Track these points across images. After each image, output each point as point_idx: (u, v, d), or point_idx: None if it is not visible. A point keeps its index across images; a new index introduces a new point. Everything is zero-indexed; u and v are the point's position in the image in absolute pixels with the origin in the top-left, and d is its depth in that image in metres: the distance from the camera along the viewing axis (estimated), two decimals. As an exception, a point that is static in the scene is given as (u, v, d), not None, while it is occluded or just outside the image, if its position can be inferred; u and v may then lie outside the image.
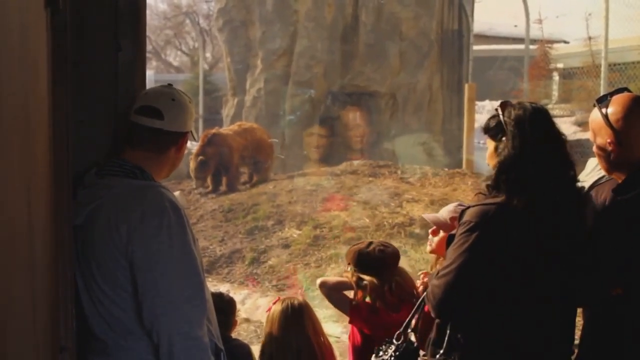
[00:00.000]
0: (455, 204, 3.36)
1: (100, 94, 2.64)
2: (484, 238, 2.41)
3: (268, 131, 12.45)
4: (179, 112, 2.57)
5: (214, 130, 11.52)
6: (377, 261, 3.41)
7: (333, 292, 3.59)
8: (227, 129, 12.13)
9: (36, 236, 1.67)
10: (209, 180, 11.13)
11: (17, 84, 1.49)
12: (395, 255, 3.51)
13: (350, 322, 3.53)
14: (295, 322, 3.40)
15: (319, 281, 3.72)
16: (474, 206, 2.49)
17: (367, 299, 3.45)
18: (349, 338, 3.60)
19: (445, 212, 3.30)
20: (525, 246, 2.43)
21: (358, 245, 3.55)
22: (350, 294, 3.55)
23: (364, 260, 3.43)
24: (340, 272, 7.61)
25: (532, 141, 2.44)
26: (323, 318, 5.93)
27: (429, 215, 3.43)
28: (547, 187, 2.43)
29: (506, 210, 2.41)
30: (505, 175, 2.45)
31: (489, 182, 2.54)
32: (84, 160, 2.47)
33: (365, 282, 3.41)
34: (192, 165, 10.82)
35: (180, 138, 2.59)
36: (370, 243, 3.50)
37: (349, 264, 3.51)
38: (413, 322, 2.99)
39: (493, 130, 2.56)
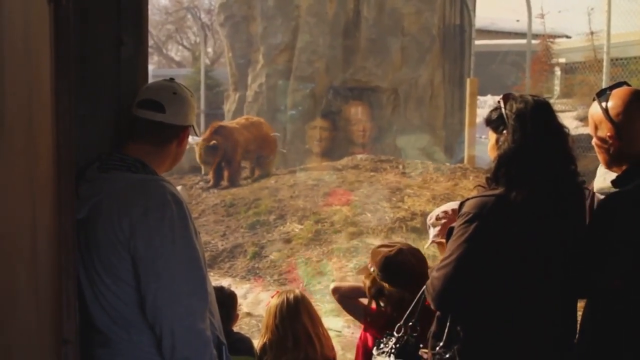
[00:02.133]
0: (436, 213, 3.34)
1: (102, 88, 2.65)
2: (482, 229, 2.41)
3: (270, 126, 12.45)
4: (181, 105, 2.57)
5: (221, 123, 11.56)
6: (406, 274, 3.15)
7: (346, 300, 3.47)
8: (234, 122, 12.11)
9: (39, 230, 1.68)
10: (210, 174, 11.10)
11: (21, 78, 1.49)
12: (423, 263, 3.24)
13: (364, 329, 3.38)
14: (292, 315, 3.43)
15: (332, 286, 3.59)
16: (472, 198, 2.49)
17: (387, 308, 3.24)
18: (360, 337, 3.46)
19: (432, 228, 3.28)
20: (525, 238, 2.44)
21: (386, 249, 3.26)
22: (365, 299, 3.36)
23: (390, 268, 3.18)
24: (342, 265, 7.62)
25: (532, 135, 2.45)
26: (324, 312, 5.96)
27: (435, 240, 3.28)
28: (547, 181, 2.43)
29: (505, 201, 2.41)
30: (504, 169, 2.46)
31: (488, 175, 2.54)
32: (87, 154, 2.47)
33: (386, 291, 3.21)
34: (199, 151, 10.67)
35: (181, 131, 2.59)
36: (400, 250, 3.21)
37: (372, 265, 3.26)
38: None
39: (494, 122, 2.57)
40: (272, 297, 3.57)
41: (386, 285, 3.19)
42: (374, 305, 3.29)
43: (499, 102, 2.57)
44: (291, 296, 3.49)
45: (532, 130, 2.45)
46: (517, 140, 2.45)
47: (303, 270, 7.72)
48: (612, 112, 2.48)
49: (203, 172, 10.91)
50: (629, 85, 2.57)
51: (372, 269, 3.24)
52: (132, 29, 2.71)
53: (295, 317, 3.43)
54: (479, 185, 2.62)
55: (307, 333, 3.40)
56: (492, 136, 2.60)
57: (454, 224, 2.54)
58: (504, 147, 2.48)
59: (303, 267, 7.79)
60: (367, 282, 3.28)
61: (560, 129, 2.52)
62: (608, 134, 2.49)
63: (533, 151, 2.44)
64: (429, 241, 3.32)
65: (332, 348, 3.55)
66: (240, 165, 11.39)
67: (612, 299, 2.46)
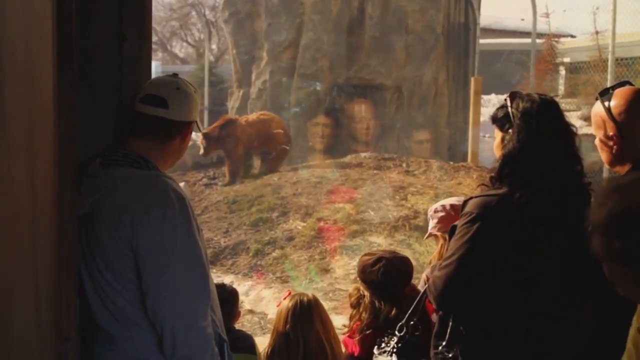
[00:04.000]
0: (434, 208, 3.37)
1: (105, 83, 2.64)
2: (485, 229, 2.39)
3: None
4: (184, 101, 2.56)
5: (231, 117, 11.89)
6: (379, 285, 3.22)
7: None
8: (244, 117, 12.14)
9: (39, 226, 1.67)
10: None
11: (22, 73, 1.49)
12: (403, 277, 3.28)
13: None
14: (304, 319, 3.34)
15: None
16: (476, 197, 2.48)
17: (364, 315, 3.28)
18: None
19: (432, 221, 3.33)
20: (528, 238, 2.42)
21: (368, 256, 3.34)
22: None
23: (366, 277, 3.27)
24: (344, 264, 7.62)
25: (537, 135, 2.43)
26: (327, 310, 5.95)
27: (431, 232, 3.36)
28: (552, 181, 2.42)
29: (508, 201, 2.40)
30: (509, 168, 2.45)
31: (492, 174, 2.53)
32: (88, 149, 2.46)
33: (366, 300, 3.26)
34: (201, 137, 11.31)
35: (184, 128, 2.58)
36: (380, 259, 3.26)
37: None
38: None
39: (500, 121, 2.56)
40: (285, 298, 3.47)
41: (367, 293, 3.25)
42: (353, 322, 3.32)
43: (505, 100, 2.55)
44: (305, 299, 3.39)
45: (537, 130, 2.43)
46: (522, 140, 2.44)
47: (305, 268, 7.72)
48: (614, 112, 2.47)
49: (201, 152, 11.43)
50: (632, 84, 2.56)
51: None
52: (136, 24, 2.69)
53: (308, 324, 3.34)
54: (483, 184, 2.60)
55: (319, 340, 3.31)
56: (497, 134, 2.59)
57: (456, 222, 2.52)
58: (509, 146, 2.46)
59: (305, 265, 7.78)
60: (351, 290, 3.37)
61: (566, 128, 2.50)
62: (610, 133, 2.48)
63: (538, 151, 2.42)
64: (427, 233, 3.39)
65: (341, 353, 3.48)
66: (240, 162, 11.45)
67: (616, 299, 2.44)
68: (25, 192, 1.51)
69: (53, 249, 1.89)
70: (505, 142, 2.50)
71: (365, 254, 3.42)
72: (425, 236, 3.42)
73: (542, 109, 2.47)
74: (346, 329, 3.39)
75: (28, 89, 1.54)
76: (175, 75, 2.66)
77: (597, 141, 2.58)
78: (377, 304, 3.22)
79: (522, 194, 2.38)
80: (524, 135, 2.44)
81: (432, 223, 3.31)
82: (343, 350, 3.40)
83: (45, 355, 1.78)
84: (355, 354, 3.27)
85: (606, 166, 2.63)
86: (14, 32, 1.40)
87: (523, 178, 2.41)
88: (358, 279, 3.34)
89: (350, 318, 3.39)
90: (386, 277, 3.20)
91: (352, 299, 3.38)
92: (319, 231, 8.48)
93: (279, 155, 11.83)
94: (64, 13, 1.93)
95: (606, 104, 2.50)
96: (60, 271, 1.98)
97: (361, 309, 3.29)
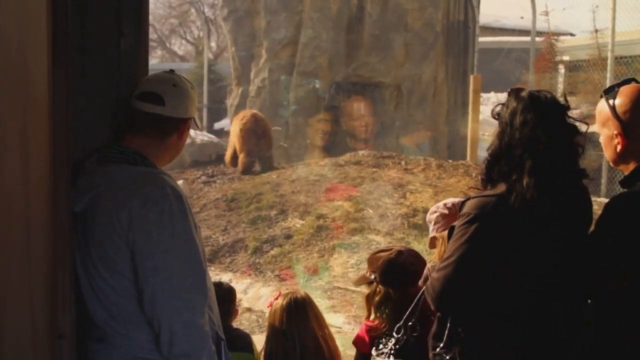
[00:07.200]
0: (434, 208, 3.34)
1: (101, 79, 2.62)
2: (483, 230, 2.37)
3: (272, 121, 12.46)
4: (180, 98, 2.54)
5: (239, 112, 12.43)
6: (409, 275, 3.10)
7: None
8: (240, 114, 12.12)
9: (34, 223, 1.66)
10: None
11: (16, 70, 1.47)
12: (422, 263, 3.17)
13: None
14: (299, 317, 3.33)
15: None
16: (473, 198, 2.45)
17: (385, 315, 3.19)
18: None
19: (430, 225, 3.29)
20: (527, 238, 2.40)
21: (385, 253, 3.26)
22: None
23: (393, 271, 3.16)
24: (343, 262, 7.61)
25: (521, 134, 2.39)
26: (325, 309, 5.94)
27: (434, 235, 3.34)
28: (545, 181, 2.37)
29: (506, 202, 2.37)
30: (497, 168, 2.42)
31: (482, 176, 2.50)
32: (84, 146, 2.45)
33: (393, 297, 3.15)
34: None
35: (181, 124, 2.56)
36: (400, 252, 3.21)
37: (372, 272, 3.22)
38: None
39: (497, 118, 2.54)
40: (276, 298, 3.45)
41: (391, 290, 3.15)
42: (372, 319, 3.23)
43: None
44: (298, 297, 3.37)
45: (520, 129, 2.39)
46: (503, 139, 2.42)
47: (304, 266, 7.71)
48: (619, 110, 2.45)
49: None
50: (637, 82, 2.53)
51: (372, 276, 3.20)
52: (132, 20, 2.68)
53: (304, 322, 3.32)
54: (474, 187, 2.58)
55: (315, 338, 3.31)
56: None
57: (454, 223, 2.50)
58: (492, 146, 2.45)
59: (304, 263, 7.78)
60: (369, 291, 3.24)
61: (561, 127, 2.45)
62: (615, 131, 2.46)
63: (522, 150, 2.38)
64: (429, 238, 3.32)
65: (337, 351, 3.46)
66: (232, 158, 11.53)
67: (618, 299, 2.43)
68: (18, 189, 1.49)
69: (48, 246, 1.87)
70: (491, 142, 2.48)
71: (378, 251, 3.34)
72: (428, 242, 3.38)
73: (528, 109, 2.41)
74: (367, 320, 3.27)
75: (22, 85, 1.53)
76: (172, 71, 2.65)
77: (601, 139, 2.56)
78: (403, 299, 3.10)
79: (517, 195, 2.36)
80: (505, 135, 2.42)
81: (431, 226, 3.27)
82: (340, 348, 3.36)
83: (40, 353, 1.77)
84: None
85: (610, 164, 2.60)
86: (8, 28, 1.38)
87: (510, 179, 2.38)
88: (378, 277, 3.21)
89: (368, 311, 3.28)
90: (411, 266, 3.14)
91: (376, 297, 3.23)
92: (318, 229, 8.47)
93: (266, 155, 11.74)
94: (58, 9, 1.92)
95: (611, 102, 2.47)
96: (56, 268, 1.97)
97: (388, 311, 3.17)
